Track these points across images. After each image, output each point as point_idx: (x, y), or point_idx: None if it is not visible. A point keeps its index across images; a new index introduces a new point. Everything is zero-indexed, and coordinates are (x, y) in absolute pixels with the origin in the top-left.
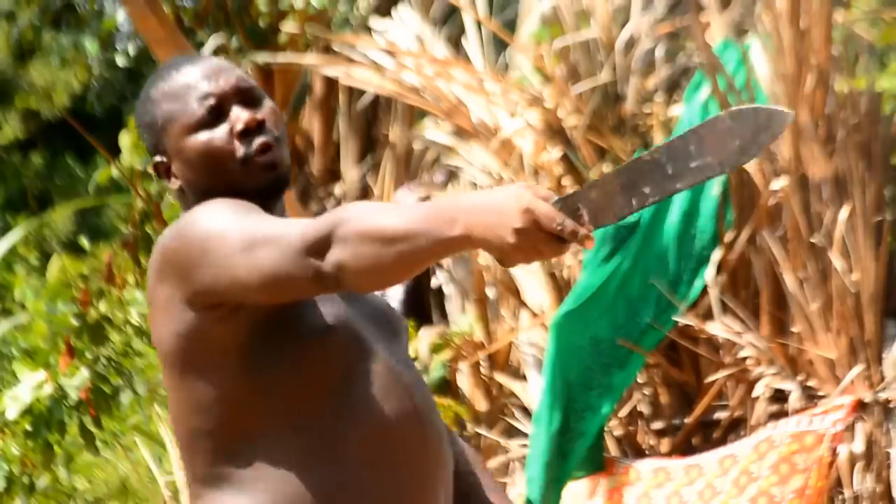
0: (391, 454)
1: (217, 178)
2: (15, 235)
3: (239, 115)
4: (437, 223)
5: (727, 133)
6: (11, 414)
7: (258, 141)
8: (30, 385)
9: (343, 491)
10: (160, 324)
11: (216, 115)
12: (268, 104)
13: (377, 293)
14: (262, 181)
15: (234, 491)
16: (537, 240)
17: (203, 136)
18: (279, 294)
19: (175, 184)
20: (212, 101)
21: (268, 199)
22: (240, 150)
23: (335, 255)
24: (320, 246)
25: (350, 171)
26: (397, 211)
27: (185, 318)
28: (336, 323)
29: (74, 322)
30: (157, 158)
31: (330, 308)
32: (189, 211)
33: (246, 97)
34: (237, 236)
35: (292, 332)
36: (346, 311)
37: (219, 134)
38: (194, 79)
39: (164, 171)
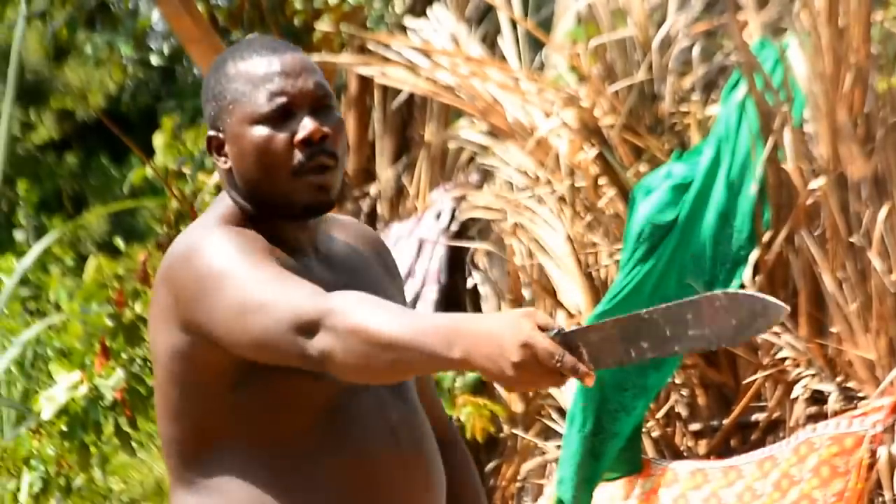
0: (364, 490)
1: (265, 177)
2: (50, 238)
3: (305, 124)
4: (435, 340)
5: (724, 312)
6: (47, 414)
7: (316, 157)
8: (65, 385)
9: None
10: (154, 326)
11: (283, 115)
12: (336, 117)
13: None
14: (308, 199)
15: (200, 496)
16: (535, 374)
17: (263, 132)
18: (268, 359)
19: (225, 164)
20: (283, 100)
21: (306, 217)
22: (295, 158)
23: (323, 342)
24: (309, 328)
25: (385, 171)
26: (393, 314)
27: (176, 334)
28: None
29: (109, 323)
30: (213, 133)
31: None
32: (202, 233)
33: (318, 105)
34: (234, 295)
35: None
36: None
37: (279, 136)
38: (274, 70)
39: (216, 148)
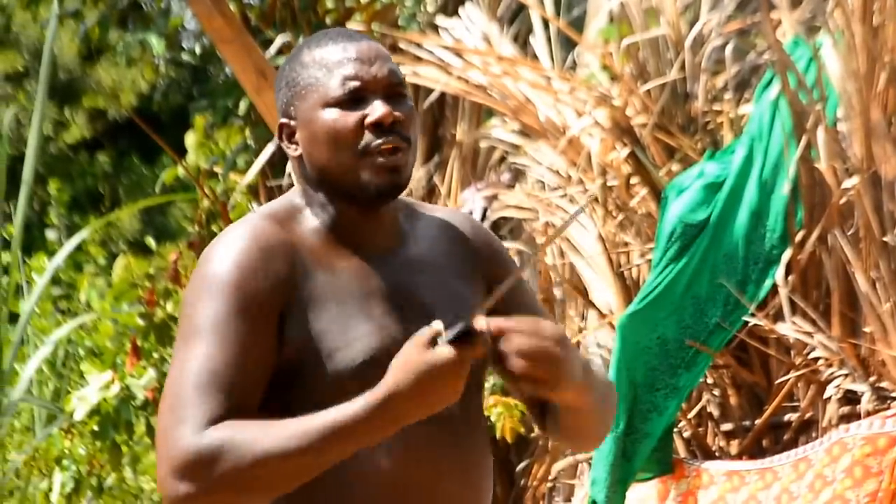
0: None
1: (334, 158)
2: (80, 236)
3: (376, 107)
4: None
5: None
6: (79, 414)
7: (387, 139)
8: (97, 385)
9: None
10: None
11: (356, 99)
12: (409, 104)
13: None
14: (379, 180)
15: None
16: (447, 373)
17: (334, 114)
18: None
19: (295, 151)
20: (356, 84)
21: (378, 201)
22: (365, 140)
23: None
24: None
25: (416, 170)
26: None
27: None
28: (370, 365)
29: (140, 322)
30: (284, 120)
31: (370, 341)
32: (229, 231)
33: (391, 92)
34: (182, 357)
35: (318, 371)
36: (392, 342)
37: (351, 118)
38: (348, 56)
39: (287, 136)
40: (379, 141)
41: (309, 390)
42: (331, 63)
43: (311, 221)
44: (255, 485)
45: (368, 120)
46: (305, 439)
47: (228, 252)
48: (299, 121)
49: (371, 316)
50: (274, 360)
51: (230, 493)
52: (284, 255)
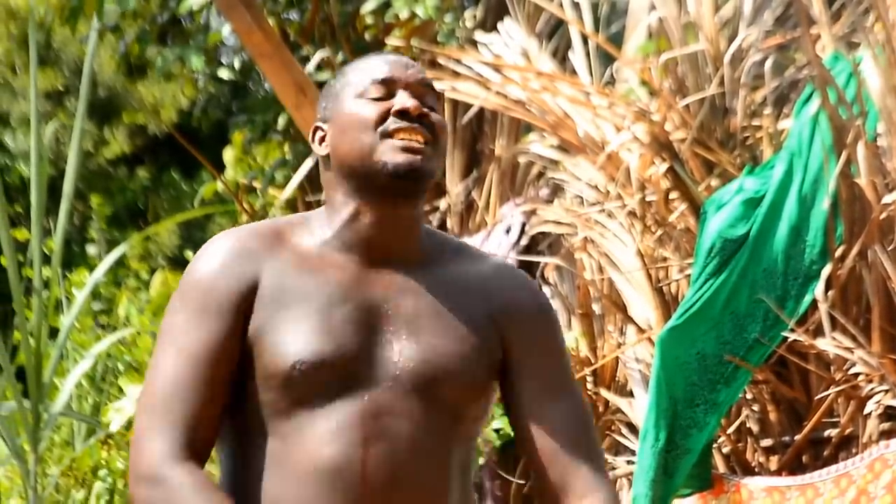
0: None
1: (357, 143)
2: (119, 251)
3: (404, 98)
4: None
5: None
6: (115, 426)
7: (411, 124)
8: (134, 397)
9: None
10: None
11: (384, 93)
12: (439, 115)
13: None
14: (395, 160)
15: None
16: None
17: (361, 103)
18: None
19: (323, 151)
20: (387, 76)
21: (394, 184)
22: (387, 124)
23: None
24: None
25: (455, 186)
26: None
27: None
28: (300, 364)
29: None
30: (318, 124)
31: (306, 342)
32: (196, 256)
33: (420, 93)
34: (152, 384)
35: (259, 362)
36: (336, 350)
37: (378, 106)
38: (385, 61)
39: (319, 139)
40: (402, 124)
41: (252, 379)
42: (367, 68)
43: (316, 227)
44: None
45: (395, 108)
46: None
47: (201, 257)
48: (331, 120)
49: (325, 321)
50: (239, 351)
51: None
52: (254, 257)
